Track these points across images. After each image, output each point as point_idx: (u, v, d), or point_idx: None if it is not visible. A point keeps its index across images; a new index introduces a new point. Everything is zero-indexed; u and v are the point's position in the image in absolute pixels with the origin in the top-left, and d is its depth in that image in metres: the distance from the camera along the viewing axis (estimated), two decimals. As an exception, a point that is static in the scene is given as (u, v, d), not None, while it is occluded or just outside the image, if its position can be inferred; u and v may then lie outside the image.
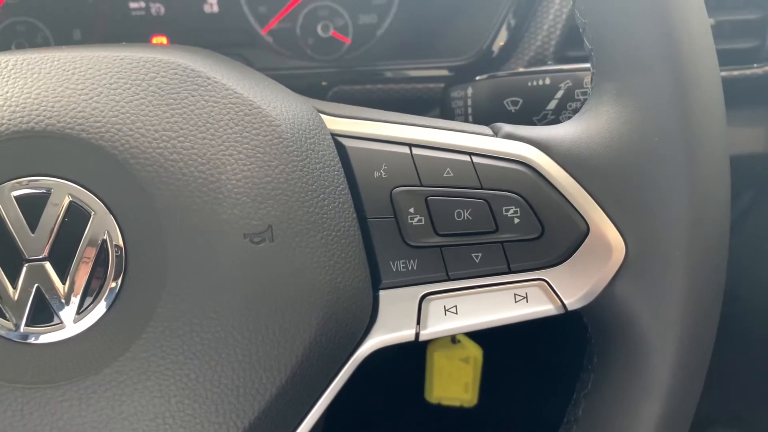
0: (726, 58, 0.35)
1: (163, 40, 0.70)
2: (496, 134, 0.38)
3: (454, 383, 0.81)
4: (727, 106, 0.36)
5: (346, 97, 0.65)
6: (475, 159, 0.37)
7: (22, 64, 0.35)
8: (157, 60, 0.35)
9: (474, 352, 0.81)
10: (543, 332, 0.58)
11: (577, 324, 0.41)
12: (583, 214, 0.36)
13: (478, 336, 0.81)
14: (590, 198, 0.36)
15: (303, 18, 0.69)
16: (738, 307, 0.41)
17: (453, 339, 0.81)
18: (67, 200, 0.33)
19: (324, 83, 0.67)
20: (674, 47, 0.35)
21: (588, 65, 0.51)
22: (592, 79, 0.38)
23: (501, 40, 0.59)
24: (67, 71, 0.35)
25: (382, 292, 0.37)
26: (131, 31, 0.70)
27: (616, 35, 0.36)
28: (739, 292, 0.38)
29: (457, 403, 0.83)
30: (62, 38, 0.70)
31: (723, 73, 0.37)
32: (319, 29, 0.69)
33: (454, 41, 0.61)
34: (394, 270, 0.37)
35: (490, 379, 0.82)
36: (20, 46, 0.70)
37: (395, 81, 0.64)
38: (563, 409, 0.42)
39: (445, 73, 0.62)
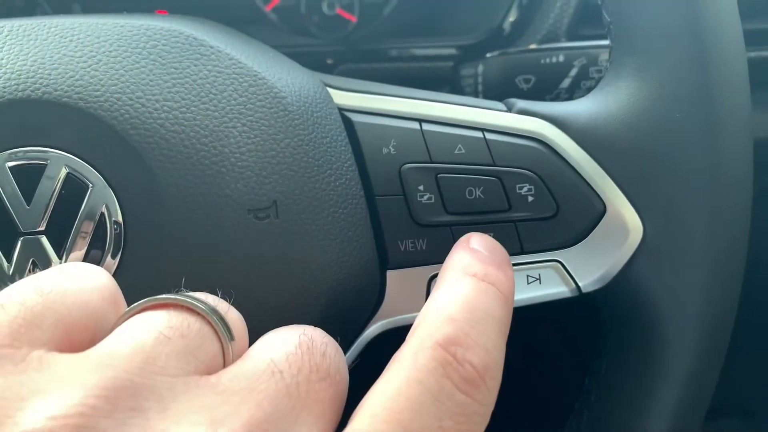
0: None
1: (166, 16, 0.68)
2: (509, 110, 0.37)
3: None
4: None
5: (353, 76, 0.63)
6: (488, 135, 0.35)
7: (18, 30, 0.34)
8: (159, 28, 0.34)
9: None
10: (551, 317, 0.56)
11: (587, 308, 0.40)
12: (599, 193, 0.35)
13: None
14: (607, 176, 0.35)
15: (308, -5, 0.67)
16: (748, 295, 0.40)
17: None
18: (64, 172, 0.32)
19: (329, 61, 0.65)
20: (698, 20, 0.34)
21: (603, 43, 0.50)
22: (610, 53, 0.37)
23: (512, 18, 0.57)
24: (65, 38, 0.33)
25: (389, 273, 0.36)
26: (132, 7, 0.68)
27: (637, 6, 0.35)
28: (750, 278, 0.37)
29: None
30: (62, 13, 0.68)
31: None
32: (324, 7, 0.67)
33: (464, 19, 0.60)
34: (403, 249, 0.35)
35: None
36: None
37: (402, 60, 0.63)
38: (573, 396, 0.41)
39: (453, 51, 0.60)
